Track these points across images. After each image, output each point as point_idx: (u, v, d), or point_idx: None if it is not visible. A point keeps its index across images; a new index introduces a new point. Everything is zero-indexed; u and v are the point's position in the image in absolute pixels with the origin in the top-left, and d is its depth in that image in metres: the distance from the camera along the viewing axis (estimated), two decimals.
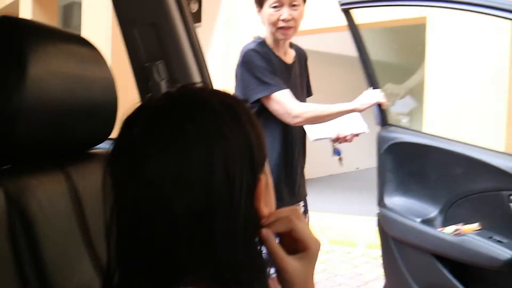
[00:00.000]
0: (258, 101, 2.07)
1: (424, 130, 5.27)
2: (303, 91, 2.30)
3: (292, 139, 2.17)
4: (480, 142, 2.04)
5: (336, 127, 2.26)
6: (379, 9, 5.27)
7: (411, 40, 7.61)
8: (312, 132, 2.26)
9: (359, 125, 2.28)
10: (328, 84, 7.72)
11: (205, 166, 0.60)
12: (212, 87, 1.25)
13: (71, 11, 10.59)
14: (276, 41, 2.15)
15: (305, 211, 2.38)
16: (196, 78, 1.18)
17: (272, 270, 0.68)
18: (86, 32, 7.55)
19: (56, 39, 0.91)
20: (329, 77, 8.52)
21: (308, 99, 2.38)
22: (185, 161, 0.60)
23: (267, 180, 0.68)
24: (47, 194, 0.79)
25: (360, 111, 2.13)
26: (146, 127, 0.62)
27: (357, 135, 2.29)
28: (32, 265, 0.76)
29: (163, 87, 1.14)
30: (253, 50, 2.09)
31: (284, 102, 2.02)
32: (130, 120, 0.65)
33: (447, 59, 5.60)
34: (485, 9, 1.75)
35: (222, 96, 0.68)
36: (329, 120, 2.14)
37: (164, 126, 0.62)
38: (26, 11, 9.58)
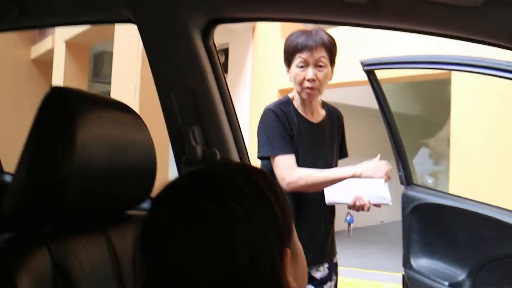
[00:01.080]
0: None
1: (450, 190, 5.22)
2: (332, 151, 2.30)
3: (311, 197, 2.18)
4: (506, 205, 2.03)
5: (356, 192, 2.18)
6: None
7: (437, 93, 7.63)
8: (329, 193, 2.22)
9: (382, 195, 2.18)
10: (355, 136, 7.72)
11: (228, 249, 0.60)
12: (246, 154, 1.29)
13: (102, 60, 10.94)
14: (303, 100, 2.20)
15: (331, 273, 2.34)
16: (231, 143, 1.22)
17: None
18: (116, 81, 7.77)
19: (100, 107, 0.96)
20: (356, 128, 8.54)
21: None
22: (207, 243, 0.60)
23: (296, 251, 0.70)
24: (89, 257, 0.83)
25: (358, 177, 2.07)
26: (169, 207, 0.64)
27: (377, 205, 2.25)
28: None
29: (199, 151, 1.18)
30: (271, 110, 2.13)
31: (281, 167, 2.02)
32: (158, 198, 0.67)
33: (473, 115, 5.60)
34: (506, 73, 1.78)
35: (247, 172, 0.69)
36: (327, 186, 2.08)
37: (185, 207, 0.63)
38: (59, 59, 9.92)
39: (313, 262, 2.28)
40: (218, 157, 1.17)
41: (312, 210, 2.21)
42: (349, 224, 2.31)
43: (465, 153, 5.58)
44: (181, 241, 0.61)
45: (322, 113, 2.29)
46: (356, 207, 2.18)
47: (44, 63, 11.18)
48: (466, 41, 1.11)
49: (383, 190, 2.24)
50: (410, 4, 0.99)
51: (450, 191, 4.88)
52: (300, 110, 2.22)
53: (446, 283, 1.97)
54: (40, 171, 0.83)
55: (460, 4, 0.96)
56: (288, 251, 0.66)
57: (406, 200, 2.17)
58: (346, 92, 7.71)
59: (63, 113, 0.87)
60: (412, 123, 8.36)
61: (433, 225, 2.11)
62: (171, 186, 0.68)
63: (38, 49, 10.71)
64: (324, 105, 2.33)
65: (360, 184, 2.22)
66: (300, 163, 2.19)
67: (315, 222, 2.20)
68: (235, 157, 1.23)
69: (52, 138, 0.84)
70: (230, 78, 7.74)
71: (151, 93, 1.30)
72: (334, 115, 2.34)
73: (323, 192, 2.25)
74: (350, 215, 2.27)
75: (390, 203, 2.21)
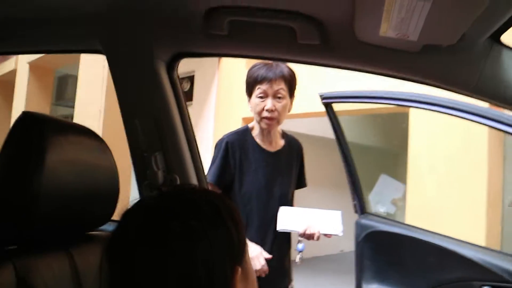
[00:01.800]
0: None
1: (407, 219, 5.37)
2: (289, 180, 2.38)
3: (265, 225, 2.26)
4: (461, 233, 2.13)
5: (308, 221, 2.24)
6: None
7: (395, 126, 7.87)
8: (282, 221, 2.27)
9: (334, 226, 2.25)
10: (318, 165, 7.84)
11: (188, 265, 0.68)
12: (204, 180, 1.36)
13: (66, 83, 10.84)
14: (262, 129, 2.29)
15: None
16: (190, 169, 1.29)
17: None
18: (80, 105, 7.74)
19: (69, 132, 1.02)
20: (319, 158, 8.69)
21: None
22: (169, 256, 0.68)
23: (247, 269, 0.78)
24: (52, 274, 0.88)
25: None
26: (137, 222, 0.72)
27: (327, 235, 2.32)
28: None
29: (160, 176, 1.25)
30: (223, 140, 2.24)
31: None
32: (126, 215, 0.74)
33: (429, 147, 5.81)
34: (462, 113, 1.90)
35: (208, 196, 0.78)
36: None
37: (152, 224, 0.70)
38: (22, 81, 9.80)
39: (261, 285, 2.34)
40: (178, 182, 1.24)
41: (263, 237, 2.27)
42: (300, 252, 2.33)
43: (422, 184, 5.76)
44: (145, 254, 0.68)
45: (281, 143, 2.37)
46: (307, 236, 2.23)
47: (6, 84, 11.01)
48: (408, 81, 1.22)
49: (336, 221, 2.31)
50: (358, 47, 1.09)
51: (407, 222, 5.04)
52: (257, 139, 2.31)
53: None
54: (10, 191, 0.88)
55: (401, 48, 1.07)
56: (239, 269, 0.74)
57: (359, 228, 2.26)
58: (309, 123, 7.88)
59: (34, 137, 0.92)
60: (370, 154, 8.58)
61: (384, 252, 2.20)
62: (140, 204, 0.76)
63: (0, 69, 10.54)
64: (284, 135, 2.42)
65: (314, 214, 2.30)
66: (256, 190, 2.26)
67: (267, 249, 2.26)
68: (194, 182, 1.29)
69: (22, 160, 0.89)
70: (195, 105, 7.81)
71: (115, 118, 1.35)
72: (293, 145, 2.43)
73: (275, 219, 2.31)
74: (301, 243, 2.31)
75: (341, 234, 2.27)
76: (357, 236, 2.25)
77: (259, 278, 2.24)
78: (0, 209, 0.88)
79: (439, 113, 2.02)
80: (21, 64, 9.90)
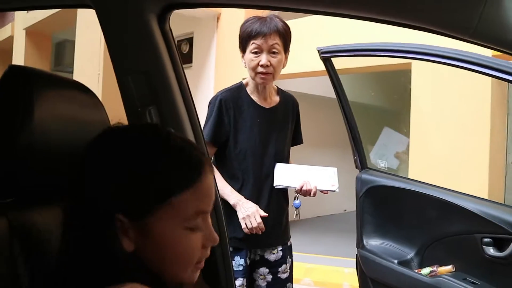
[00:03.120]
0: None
1: (410, 175, 5.38)
2: (284, 137, 2.36)
3: (260, 182, 2.25)
4: (464, 188, 2.12)
5: (304, 177, 2.24)
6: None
7: (397, 83, 7.81)
8: (278, 177, 2.27)
9: (330, 182, 2.24)
10: (312, 125, 7.82)
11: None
12: (200, 133, 1.34)
13: (63, 49, 10.76)
14: (256, 85, 2.26)
15: (285, 255, 2.41)
16: (186, 123, 1.27)
17: None
18: (78, 70, 7.68)
19: (59, 86, 1.00)
20: (315, 118, 8.65)
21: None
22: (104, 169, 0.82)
23: (152, 230, 0.82)
24: (46, 225, 0.87)
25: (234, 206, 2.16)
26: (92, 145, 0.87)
27: (324, 191, 2.31)
28: None
29: None
30: (217, 97, 2.23)
31: None
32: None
33: (432, 104, 5.77)
34: (465, 64, 1.86)
35: (147, 142, 0.85)
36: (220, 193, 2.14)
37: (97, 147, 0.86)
38: (19, 48, 9.71)
39: (265, 245, 2.35)
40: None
41: (258, 194, 2.27)
42: (296, 209, 2.34)
43: (425, 143, 5.75)
44: (94, 166, 0.83)
45: (276, 99, 2.35)
46: (303, 192, 2.24)
47: (3, 52, 10.90)
48: (406, 27, 1.18)
49: (333, 177, 2.30)
50: None
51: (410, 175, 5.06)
52: (252, 96, 2.28)
53: (396, 261, 2.07)
54: None
55: None
56: (124, 219, 0.80)
57: (359, 183, 2.26)
58: (310, 82, 7.82)
59: (22, 90, 0.90)
60: (371, 113, 8.54)
61: (385, 207, 2.21)
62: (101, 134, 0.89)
63: None
64: (280, 91, 2.39)
65: (310, 171, 2.29)
66: (251, 148, 2.25)
67: (263, 206, 2.26)
68: (190, 136, 1.28)
69: (11, 114, 0.88)
70: (194, 67, 7.74)
71: (114, 80, 1.33)
72: (289, 101, 2.40)
73: (271, 177, 2.31)
74: (298, 199, 2.32)
75: (337, 190, 2.27)
76: (358, 191, 2.24)
77: (256, 235, 2.25)
78: None
79: (441, 64, 1.99)
80: (17, 31, 9.80)
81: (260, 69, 2.18)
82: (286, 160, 2.38)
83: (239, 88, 2.27)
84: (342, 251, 6.09)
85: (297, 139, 2.46)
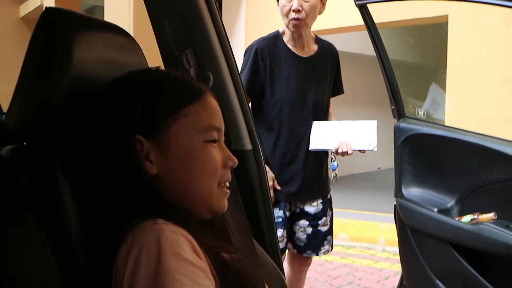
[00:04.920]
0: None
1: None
2: (324, 87, 2.32)
3: (298, 134, 2.22)
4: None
5: (341, 137, 2.22)
6: (398, 8, 5.30)
7: (432, 39, 7.60)
8: (314, 139, 2.24)
9: (368, 140, 2.23)
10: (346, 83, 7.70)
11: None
12: (238, 76, 1.33)
13: (93, 15, 10.79)
14: (292, 34, 2.20)
15: (325, 208, 2.41)
16: (223, 64, 1.26)
17: None
18: None
19: (97, 28, 0.99)
20: (348, 76, 8.49)
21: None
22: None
23: (168, 143, 0.87)
24: (85, 162, 0.88)
25: None
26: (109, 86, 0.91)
27: (361, 151, 2.27)
28: None
29: (193, 74, 1.22)
30: (253, 47, 2.19)
31: None
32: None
33: (469, 57, 5.60)
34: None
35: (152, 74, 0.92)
36: None
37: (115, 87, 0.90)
38: None
39: (305, 197, 2.35)
40: (212, 79, 1.21)
41: (295, 147, 2.24)
42: (333, 170, 2.33)
43: (461, 102, 5.60)
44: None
45: (314, 47, 2.29)
46: (340, 153, 2.23)
47: (34, 22, 10.96)
48: None
49: (371, 133, 2.25)
50: None
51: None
52: (289, 45, 2.23)
53: (436, 210, 2.05)
54: (39, 86, 0.87)
55: None
56: (143, 140, 0.85)
57: (398, 132, 2.21)
58: (343, 39, 7.67)
59: (60, 31, 0.89)
60: (404, 71, 8.37)
61: (424, 155, 2.17)
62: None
63: (27, 7, 10.48)
64: (318, 40, 2.34)
65: (349, 127, 2.24)
66: (288, 98, 2.21)
67: (301, 159, 2.24)
68: (227, 78, 1.27)
69: (49, 54, 0.87)
70: (224, 19, 7.64)
71: (144, 46, 1.32)
72: (328, 50, 2.35)
73: (309, 129, 2.28)
74: (335, 161, 2.31)
75: (375, 149, 2.23)
76: (396, 141, 2.20)
77: (296, 189, 2.24)
78: (31, 105, 0.87)
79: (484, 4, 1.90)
80: None
81: (292, 14, 2.13)
82: (325, 111, 2.35)
83: (276, 37, 2.23)
84: (378, 207, 6.08)
85: (337, 89, 2.41)
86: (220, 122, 0.93)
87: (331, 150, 2.24)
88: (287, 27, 2.18)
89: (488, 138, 1.99)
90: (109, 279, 0.79)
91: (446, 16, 5.78)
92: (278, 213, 2.26)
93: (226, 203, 0.93)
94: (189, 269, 0.75)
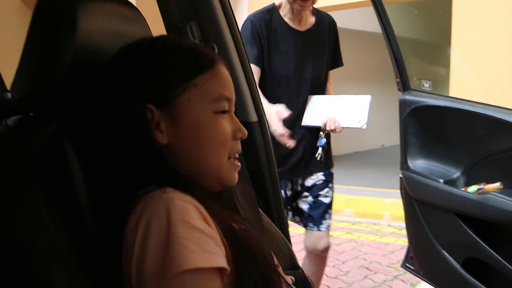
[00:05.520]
0: None
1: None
2: (322, 60, 2.27)
3: (296, 109, 2.18)
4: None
5: (331, 112, 2.17)
6: None
7: (436, 11, 7.53)
8: (307, 115, 2.20)
9: (358, 117, 2.17)
10: (350, 59, 7.65)
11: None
12: (242, 47, 1.33)
13: None
14: (292, 9, 2.15)
15: (327, 180, 2.40)
16: (228, 38, 1.25)
17: None
18: None
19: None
20: (356, 54, 8.44)
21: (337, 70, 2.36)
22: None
23: (178, 114, 0.87)
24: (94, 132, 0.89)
25: None
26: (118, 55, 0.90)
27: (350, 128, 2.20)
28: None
29: None
30: (249, 20, 2.12)
31: None
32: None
33: (473, 28, 5.55)
34: None
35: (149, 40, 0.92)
36: None
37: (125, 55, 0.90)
38: None
39: (305, 174, 2.33)
40: (216, 51, 1.21)
41: (294, 123, 2.20)
42: (320, 146, 2.24)
43: (465, 76, 5.57)
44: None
45: (311, 20, 2.23)
46: (328, 130, 2.19)
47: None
48: None
49: (362, 111, 2.19)
50: None
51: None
52: (286, 18, 2.16)
53: (442, 181, 2.05)
54: (43, 56, 0.86)
55: None
56: (154, 109, 0.85)
57: (403, 105, 2.20)
58: (345, 15, 7.59)
59: (64, 3, 0.89)
60: (408, 46, 8.33)
61: (429, 127, 2.16)
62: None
63: None
64: (315, 11, 2.28)
65: (341, 102, 2.20)
66: (285, 73, 2.17)
67: (299, 135, 2.21)
68: (232, 50, 1.26)
69: (53, 23, 0.87)
70: None
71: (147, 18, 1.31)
72: (325, 22, 2.28)
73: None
74: (322, 137, 2.23)
75: (364, 127, 2.17)
76: (401, 113, 2.19)
77: (295, 164, 2.20)
78: (37, 74, 0.87)
79: None
80: None
81: None
82: (323, 85, 2.32)
83: (271, 10, 2.16)
84: (382, 184, 6.09)
85: (336, 62, 2.37)
86: (231, 92, 0.92)
87: (321, 127, 2.20)
88: (291, 5, 2.13)
89: (494, 108, 1.98)
90: (119, 246, 0.80)
91: None
92: None
93: (236, 176, 0.93)
94: (198, 236, 0.76)
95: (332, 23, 2.31)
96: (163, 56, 0.88)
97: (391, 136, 8.31)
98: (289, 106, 2.16)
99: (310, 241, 2.44)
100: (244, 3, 7.44)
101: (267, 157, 1.37)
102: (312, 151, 2.30)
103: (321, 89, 2.31)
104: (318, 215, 2.39)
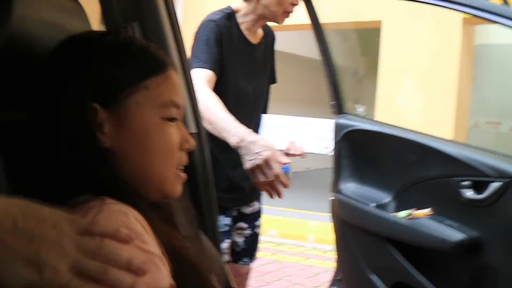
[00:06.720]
0: None
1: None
2: (264, 75, 2.21)
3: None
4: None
5: (293, 135, 2.10)
6: (333, 11, 5.38)
7: (366, 43, 7.81)
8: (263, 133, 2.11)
9: (324, 144, 2.13)
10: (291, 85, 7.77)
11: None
12: (184, 50, 1.27)
13: None
14: (254, 20, 2.01)
15: (260, 208, 2.32)
16: (170, 42, 1.19)
17: None
18: None
19: None
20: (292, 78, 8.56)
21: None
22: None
23: (125, 116, 0.81)
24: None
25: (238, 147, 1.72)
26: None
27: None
28: None
29: None
30: (213, 21, 1.94)
31: (195, 81, 1.52)
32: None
33: (400, 66, 5.80)
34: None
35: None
36: (213, 131, 1.78)
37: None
38: None
39: (249, 199, 2.25)
40: None
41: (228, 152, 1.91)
42: (286, 173, 2.04)
43: (391, 103, 5.79)
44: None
45: (261, 33, 2.16)
46: (290, 155, 2.06)
47: None
48: None
49: (326, 136, 2.16)
50: None
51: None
52: (243, 27, 2.04)
53: (373, 205, 2.06)
54: None
55: None
56: (99, 108, 0.78)
57: (337, 128, 2.20)
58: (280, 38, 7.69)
59: None
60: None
61: (362, 151, 2.18)
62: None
63: None
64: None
65: (302, 125, 2.15)
66: (234, 87, 2.06)
67: (234, 162, 2.03)
68: (175, 55, 1.20)
69: None
70: None
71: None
72: (269, 36, 2.20)
73: (254, 121, 2.17)
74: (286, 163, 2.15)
75: (329, 154, 2.14)
76: (335, 136, 2.20)
77: (242, 190, 2.11)
78: None
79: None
80: None
81: (290, 7, 1.96)
82: (266, 102, 2.28)
83: (230, 17, 2.00)
84: (307, 205, 6.15)
85: (273, 78, 2.30)
86: (181, 100, 0.88)
87: (282, 151, 2.09)
88: (275, 16, 1.98)
89: (425, 136, 2.02)
90: None
91: (379, 22, 5.95)
92: (224, 220, 2.07)
93: (180, 188, 0.88)
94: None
95: (274, 37, 2.25)
96: (115, 53, 0.82)
97: (317, 160, 8.46)
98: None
99: (235, 271, 2.27)
100: (178, 5, 7.34)
101: (204, 171, 1.31)
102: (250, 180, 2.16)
103: (265, 106, 2.26)
104: (253, 247, 2.27)
